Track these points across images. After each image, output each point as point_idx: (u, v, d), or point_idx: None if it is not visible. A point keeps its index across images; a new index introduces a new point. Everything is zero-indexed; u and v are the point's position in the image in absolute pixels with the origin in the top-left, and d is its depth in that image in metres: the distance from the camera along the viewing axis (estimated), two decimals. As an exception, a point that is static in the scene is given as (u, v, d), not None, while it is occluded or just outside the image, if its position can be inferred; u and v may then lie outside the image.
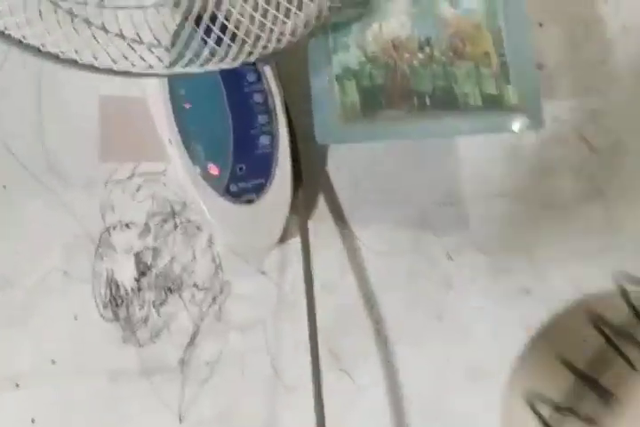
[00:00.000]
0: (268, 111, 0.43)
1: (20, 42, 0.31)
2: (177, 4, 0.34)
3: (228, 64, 0.36)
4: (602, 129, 0.50)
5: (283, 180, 0.44)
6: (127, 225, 0.44)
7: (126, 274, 0.43)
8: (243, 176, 0.43)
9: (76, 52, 0.32)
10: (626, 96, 0.50)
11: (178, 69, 0.36)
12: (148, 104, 0.44)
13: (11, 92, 0.43)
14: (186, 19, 0.35)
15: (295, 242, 0.45)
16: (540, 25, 0.50)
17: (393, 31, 0.45)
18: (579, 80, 0.50)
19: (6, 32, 0.30)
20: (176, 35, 0.35)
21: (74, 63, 0.33)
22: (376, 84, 0.44)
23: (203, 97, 0.43)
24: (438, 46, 0.44)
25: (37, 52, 0.32)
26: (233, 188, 0.43)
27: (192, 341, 0.43)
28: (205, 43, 0.35)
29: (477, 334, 0.43)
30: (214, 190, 0.43)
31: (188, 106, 0.43)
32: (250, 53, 0.36)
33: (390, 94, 0.44)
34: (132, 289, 0.43)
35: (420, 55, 0.44)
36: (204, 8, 0.35)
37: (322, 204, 0.47)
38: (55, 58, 0.33)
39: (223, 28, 0.35)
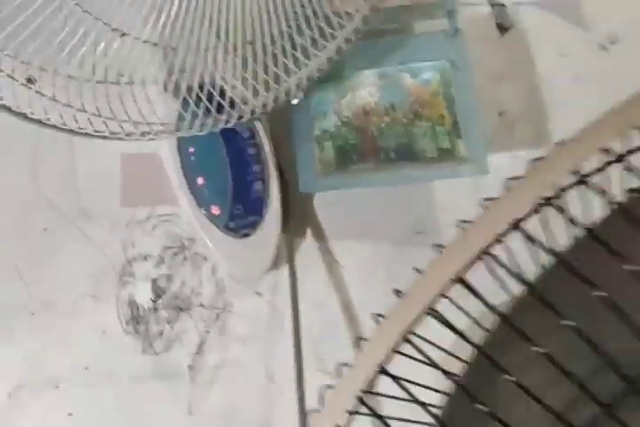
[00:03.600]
0: (261, 162, 0.53)
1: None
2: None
3: (220, 126, 0.46)
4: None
5: (273, 217, 0.53)
6: (145, 257, 0.53)
7: (145, 297, 0.52)
8: (240, 215, 0.52)
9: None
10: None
11: (182, 133, 0.46)
12: (161, 159, 0.54)
13: (47, 149, 0.53)
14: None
15: (285, 268, 0.54)
16: (501, 80, 0.61)
17: (363, 100, 0.55)
18: (535, 123, 0.60)
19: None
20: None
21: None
22: (349, 144, 0.54)
23: (206, 151, 0.52)
24: (401, 111, 0.54)
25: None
26: (232, 225, 0.52)
27: (199, 350, 0.51)
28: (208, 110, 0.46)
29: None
30: (217, 227, 0.52)
31: (193, 158, 0.53)
32: (240, 117, 0.46)
33: (361, 151, 0.54)
34: (150, 309, 0.52)
35: (386, 119, 0.54)
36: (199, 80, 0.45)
37: (309, 237, 0.56)
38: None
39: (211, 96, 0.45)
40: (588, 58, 0.61)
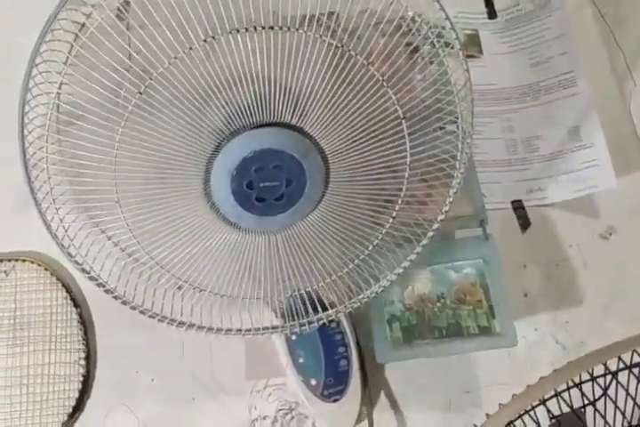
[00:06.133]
0: (345, 345, 0.71)
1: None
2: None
3: (315, 326, 0.66)
4: (569, 334, 0.77)
5: (355, 385, 0.71)
6: (264, 418, 0.72)
7: (264, 447, 0.72)
8: (331, 385, 0.70)
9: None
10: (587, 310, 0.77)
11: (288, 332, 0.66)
12: (273, 343, 0.74)
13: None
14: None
15: (365, 422, 0.72)
16: (525, 266, 0.79)
17: (420, 290, 0.71)
18: (554, 301, 0.78)
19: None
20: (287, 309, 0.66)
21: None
22: (411, 324, 0.70)
23: (305, 338, 0.71)
24: (449, 298, 0.71)
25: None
26: (325, 392, 0.70)
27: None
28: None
29: None
30: (314, 395, 0.70)
31: (296, 344, 0.72)
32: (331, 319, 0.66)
33: (421, 330, 0.70)
34: (268, 453, 0.72)
35: (438, 304, 0.71)
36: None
37: (383, 397, 0.75)
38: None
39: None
40: (592, 247, 0.79)
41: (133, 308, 0.61)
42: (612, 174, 0.74)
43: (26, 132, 0.55)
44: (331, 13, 0.50)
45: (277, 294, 0.63)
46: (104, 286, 0.60)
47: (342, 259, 0.62)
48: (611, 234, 0.79)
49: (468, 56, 0.77)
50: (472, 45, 0.79)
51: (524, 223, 0.79)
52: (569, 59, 0.77)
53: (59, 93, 0.53)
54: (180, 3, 0.47)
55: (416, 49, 0.54)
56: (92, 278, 0.59)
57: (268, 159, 0.55)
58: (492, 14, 0.80)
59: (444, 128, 0.58)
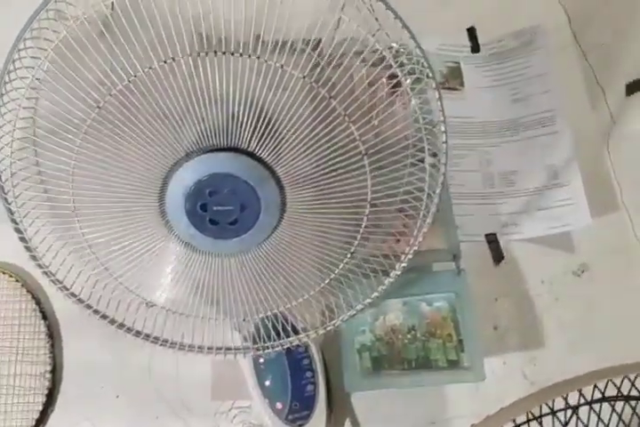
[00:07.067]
0: (312, 370, 0.72)
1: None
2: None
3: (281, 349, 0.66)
4: (537, 369, 0.78)
5: (321, 411, 0.71)
6: (229, 439, 0.73)
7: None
8: (297, 409, 0.70)
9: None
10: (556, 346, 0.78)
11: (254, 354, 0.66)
12: (240, 365, 0.74)
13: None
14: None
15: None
16: (496, 300, 0.80)
17: (392, 321, 0.72)
18: (523, 335, 0.78)
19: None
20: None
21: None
22: (381, 355, 0.71)
23: (272, 361, 0.71)
24: (420, 330, 0.71)
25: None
26: (290, 417, 0.70)
27: None
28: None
29: None
30: (279, 418, 0.70)
31: (263, 367, 0.72)
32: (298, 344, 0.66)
33: (390, 361, 0.71)
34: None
35: (409, 336, 0.71)
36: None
37: (347, 425, 0.75)
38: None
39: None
40: (564, 283, 0.80)
41: (95, 312, 0.61)
42: (587, 213, 0.75)
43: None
44: (295, 41, 0.50)
45: (232, 316, 0.63)
46: (66, 290, 0.60)
47: (298, 288, 0.62)
48: (583, 271, 0.80)
49: (449, 88, 0.79)
50: (453, 78, 0.80)
51: (497, 257, 0.80)
52: (550, 97, 0.78)
53: (28, 101, 0.54)
54: (143, 20, 0.48)
55: (387, 84, 0.53)
56: (54, 282, 0.60)
57: (222, 183, 0.55)
58: (475, 48, 0.81)
59: (415, 164, 0.57)
